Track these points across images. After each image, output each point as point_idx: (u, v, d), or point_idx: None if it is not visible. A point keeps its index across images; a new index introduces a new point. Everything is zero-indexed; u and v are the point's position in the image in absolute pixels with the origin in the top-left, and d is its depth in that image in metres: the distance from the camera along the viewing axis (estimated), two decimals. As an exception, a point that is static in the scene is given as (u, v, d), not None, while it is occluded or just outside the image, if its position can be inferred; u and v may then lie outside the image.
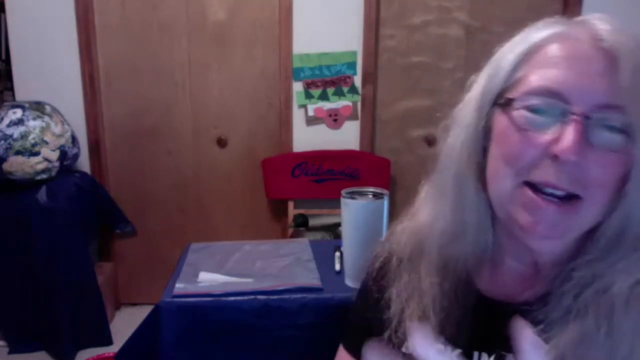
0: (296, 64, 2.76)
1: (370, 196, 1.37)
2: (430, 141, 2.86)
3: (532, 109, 0.53)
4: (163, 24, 2.75)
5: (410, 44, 2.83)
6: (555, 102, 0.52)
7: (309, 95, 2.80)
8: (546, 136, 0.52)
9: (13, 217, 2.40)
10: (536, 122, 0.53)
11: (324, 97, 2.80)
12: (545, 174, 0.52)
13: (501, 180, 0.56)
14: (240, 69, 2.81)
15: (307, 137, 2.84)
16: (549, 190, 0.52)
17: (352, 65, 2.78)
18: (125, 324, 2.68)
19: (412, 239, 0.67)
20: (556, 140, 0.51)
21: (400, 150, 2.91)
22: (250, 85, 2.83)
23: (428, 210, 0.65)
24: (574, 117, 0.50)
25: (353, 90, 2.80)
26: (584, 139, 0.50)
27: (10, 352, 2.51)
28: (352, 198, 1.35)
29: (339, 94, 2.80)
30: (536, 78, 0.54)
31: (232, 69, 2.81)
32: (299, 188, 2.81)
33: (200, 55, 2.79)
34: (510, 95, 0.56)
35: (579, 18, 0.56)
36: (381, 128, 2.92)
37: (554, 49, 0.54)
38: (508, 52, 0.58)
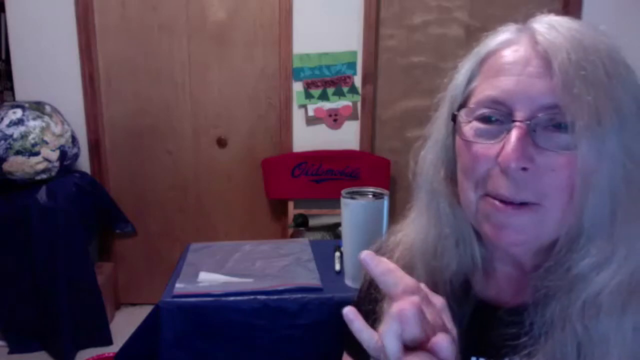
0: (296, 64, 2.76)
1: (370, 196, 1.37)
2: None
3: (482, 120, 0.54)
4: (163, 24, 2.75)
5: (410, 44, 2.83)
6: (500, 111, 0.53)
7: (309, 95, 2.80)
8: (494, 146, 0.53)
9: (13, 217, 2.40)
10: (485, 133, 0.54)
11: (324, 97, 2.80)
12: (497, 185, 0.53)
13: (466, 194, 0.57)
14: (240, 69, 2.82)
15: (307, 137, 2.84)
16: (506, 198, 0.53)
17: (352, 65, 2.78)
18: (125, 324, 2.67)
19: (405, 253, 0.66)
20: (502, 149, 0.52)
21: (400, 150, 2.91)
22: (250, 85, 2.83)
23: (414, 227, 0.66)
24: (516, 123, 0.51)
25: (353, 90, 2.80)
26: (530, 143, 0.51)
27: (10, 352, 2.51)
28: (352, 198, 1.35)
29: (339, 94, 2.80)
30: (484, 88, 0.55)
31: (232, 69, 2.81)
32: (299, 188, 2.81)
33: (200, 55, 2.79)
34: (463, 108, 0.57)
35: (529, 21, 0.57)
36: (381, 128, 2.92)
37: (499, 57, 0.55)
38: (463, 66, 0.59)
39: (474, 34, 2.86)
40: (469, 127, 0.55)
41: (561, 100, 0.49)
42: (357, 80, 2.80)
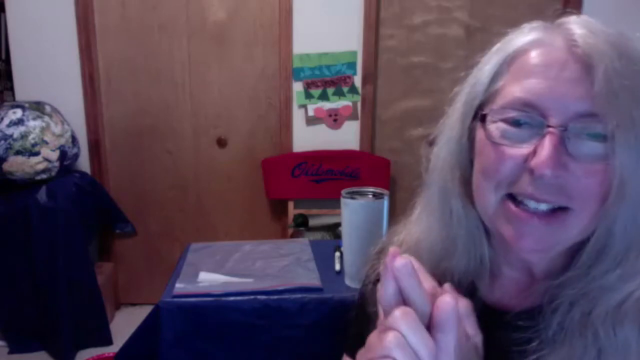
0: (296, 64, 2.76)
1: (370, 196, 1.37)
2: (430, 141, 2.86)
3: (510, 122, 0.52)
4: (163, 24, 2.75)
5: (410, 44, 2.83)
6: (531, 115, 0.51)
7: (309, 95, 2.80)
8: (523, 150, 0.51)
9: (13, 217, 2.40)
10: (513, 136, 0.52)
11: (324, 97, 2.80)
12: (525, 186, 0.51)
13: (484, 195, 0.55)
14: (240, 69, 2.82)
15: (307, 137, 2.84)
16: (533, 205, 0.52)
17: (352, 65, 2.77)
18: (125, 324, 2.68)
19: (408, 253, 0.65)
20: (533, 153, 0.50)
21: (400, 150, 2.91)
22: (250, 85, 2.83)
23: (420, 226, 0.64)
24: (550, 129, 0.49)
25: (353, 90, 2.80)
26: (563, 151, 0.49)
27: (10, 352, 2.51)
28: (352, 198, 1.35)
29: (339, 94, 2.80)
30: (513, 89, 0.53)
31: (232, 69, 2.81)
32: (299, 188, 2.81)
33: (200, 55, 2.79)
34: (488, 108, 0.55)
35: (559, 21, 0.54)
36: (381, 128, 2.92)
37: (530, 58, 0.53)
38: (486, 63, 0.57)
39: (474, 34, 2.87)
40: (495, 127, 0.53)
41: (602, 109, 0.48)
42: (357, 80, 2.80)
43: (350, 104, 2.82)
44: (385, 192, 1.38)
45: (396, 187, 2.87)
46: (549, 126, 0.49)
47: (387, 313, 0.44)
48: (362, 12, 2.72)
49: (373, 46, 2.77)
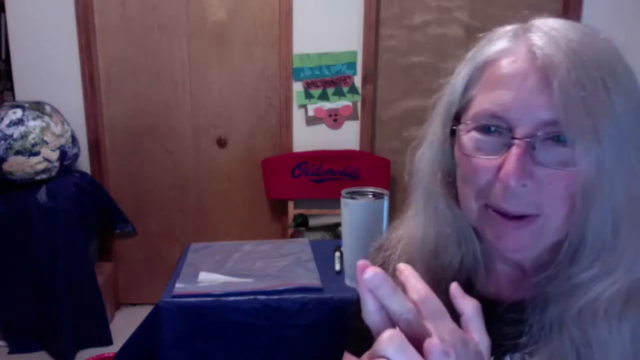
0: (296, 64, 2.76)
1: (370, 196, 1.37)
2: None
3: (481, 130, 0.54)
4: (163, 24, 2.75)
5: (410, 44, 2.83)
6: (499, 126, 0.53)
7: (309, 95, 2.80)
8: (494, 161, 0.53)
9: (13, 217, 2.40)
10: (485, 146, 0.54)
11: (324, 97, 2.80)
12: (498, 198, 0.53)
13: (467, 202, 0.57)
14: (240, 69, 2.82)
15: (307, 137, 2.84)
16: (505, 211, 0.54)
17: (352, 65, 2.77)
18: (125, 324, 2.68)
19: (406, 249, 0.66)
20: (502, 164, 0.52)
21: (400, 150, 2.91)
22: (250, 85, 2.83)
23: (414, 222, 0.66)
24: (516, 141, 0.51)
25: (353, 90, 2.80)
26: (529, 160, 0.51)
27: (10, 352, 2.51)
28: (352, 198, 1.35)
29: (339, 94, 2.80)
30: (482, 101, 0.55)
31: (232, 69, 2.81)
32: (299, 188, 2.81)
33: (200, 55, 2.79)
34: (461, 118, 0.57)
35: (528, 25, 0.55)
36: (381, 128, 2.92)
37: (497, 69, 0.54)
38: (460, 71, 0.59)
39: (474, 34, 2.85)
40: (468, 138, 0.55)
41: (561, 117, 0.49)
42: (357, 80, 2.80)
43: (350, 104, 2.82)
44: (385, 192, 1.38)
45: (396, 187, 2.87)
46: (514, 138, 0.51)
47: (377, 335, 0.40)
48: (362, 12, 2.72)
49: (373, 46, 2.77)
